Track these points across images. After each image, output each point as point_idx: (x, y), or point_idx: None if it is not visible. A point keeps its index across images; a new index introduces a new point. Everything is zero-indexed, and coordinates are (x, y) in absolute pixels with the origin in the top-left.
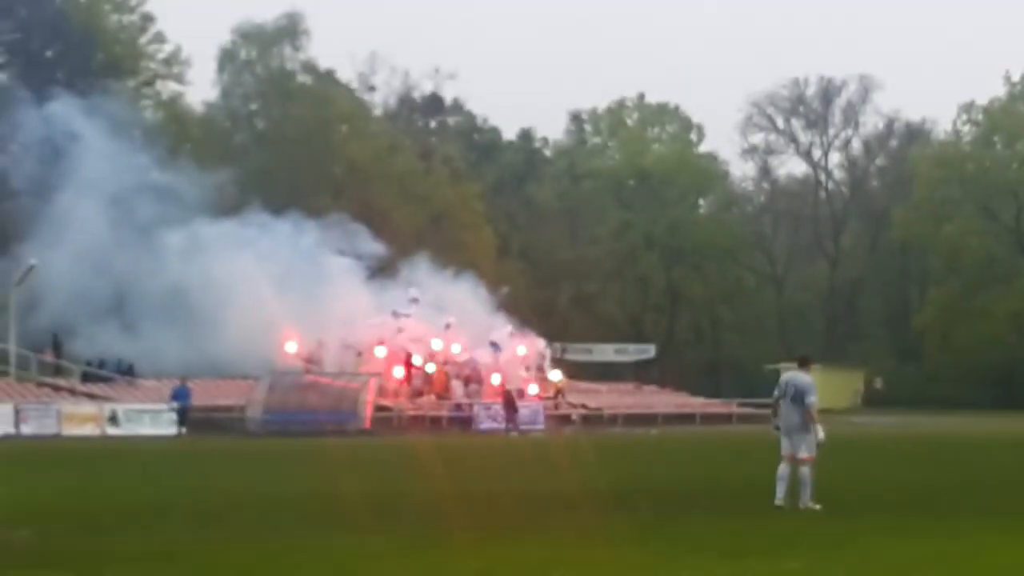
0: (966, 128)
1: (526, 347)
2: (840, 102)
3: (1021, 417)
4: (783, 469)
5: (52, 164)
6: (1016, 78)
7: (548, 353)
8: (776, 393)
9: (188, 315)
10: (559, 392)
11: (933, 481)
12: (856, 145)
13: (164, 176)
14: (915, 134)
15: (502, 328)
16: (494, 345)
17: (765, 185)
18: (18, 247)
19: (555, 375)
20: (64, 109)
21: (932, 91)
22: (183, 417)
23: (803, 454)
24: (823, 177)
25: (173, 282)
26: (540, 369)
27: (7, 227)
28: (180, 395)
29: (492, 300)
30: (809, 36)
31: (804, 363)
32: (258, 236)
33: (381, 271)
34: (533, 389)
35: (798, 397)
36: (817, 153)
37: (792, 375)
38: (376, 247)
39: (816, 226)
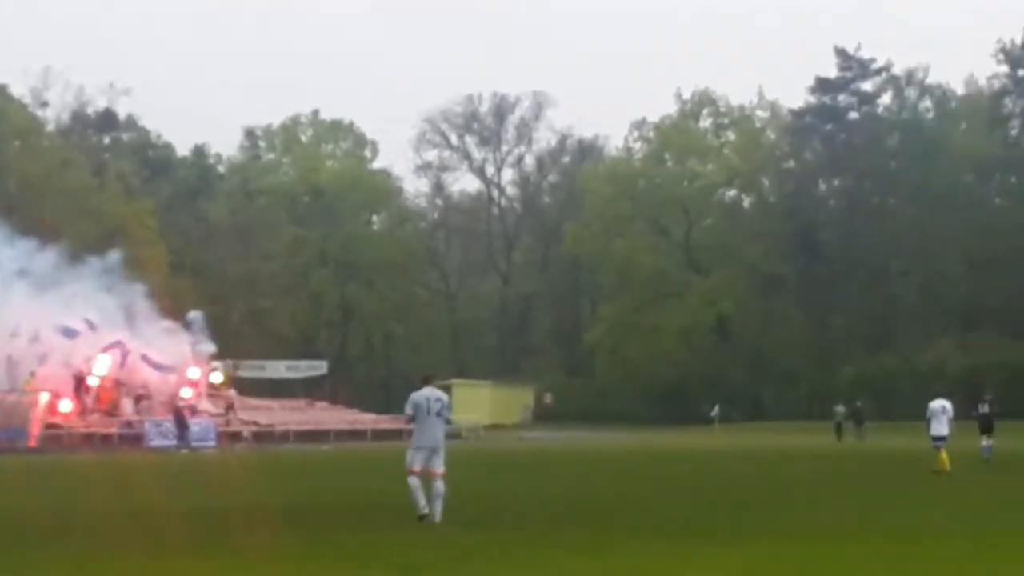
0: (637, 145)
1: (199, 367)
2: (513, 119)
3: (690, 431)
4: (416, 481)
5: None
6: (687, 95)
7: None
8: (410, 411)
9: None
10: (230, 408)
11: (600, 495)
12: (529, 161)
13: None
14: (587, 150)
15: (177, 347)
16: (157, 365)
17: (438, 201)
18: None
19: (208, 404)
20: None
21: (604, 108)
22: None
23: (441, 468)
24: (496, 193)
25: None
26: (209, 385)
27: None
28: None
29: (163, 314)
30: (483, 53)
31: (429, 380)
32: None
33: (52, 284)
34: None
35: (443, 412)
36: (490, 169)
37: (431, 392)
38: (42, 258)
39: (489, 242)
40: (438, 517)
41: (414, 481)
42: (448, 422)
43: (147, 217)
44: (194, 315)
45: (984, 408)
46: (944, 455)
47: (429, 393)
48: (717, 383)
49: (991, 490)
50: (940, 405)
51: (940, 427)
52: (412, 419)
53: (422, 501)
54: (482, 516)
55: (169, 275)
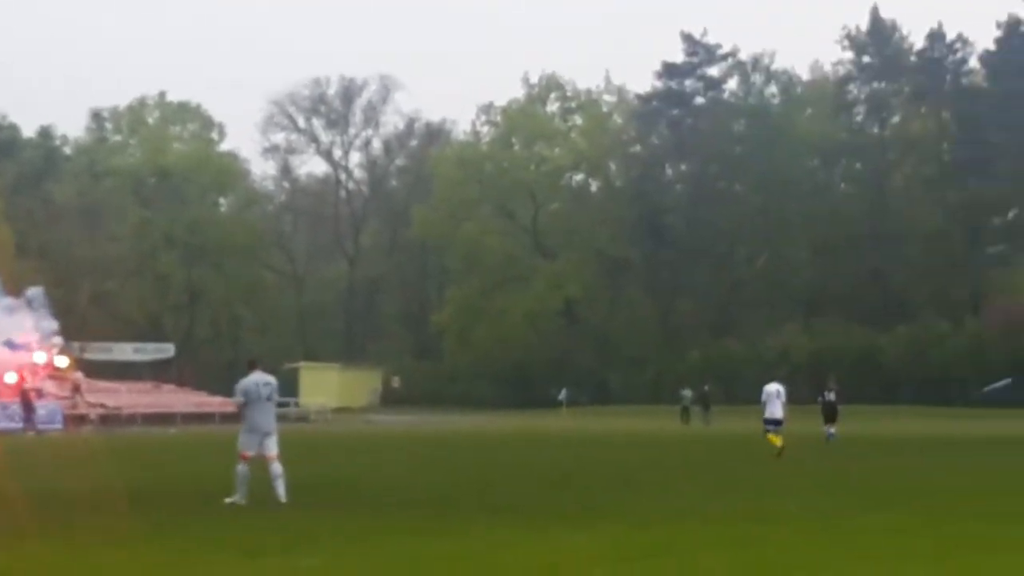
0: (485, 129)
1: (45, 352)
2: (361, 102)
3: (537, 415)
4: (246, 469)
5: None
6: (534, 80)
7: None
8: (241, 398)
9: None
10: (77, 391)
11: (448, 479)
12: (377, 145)
13: None
14: (435, 134)
15: (20, 325)
16: (10, 344)
17: (286, 184)
18: None
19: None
20: None
21: (452, 92)
22: None
23: (275, 451)
24: (343, 176)
25: None
26: (55, 369)
27: None
28: None
29: (9, 297)
30: (330, 36)
31: (255, 365)
32: None
33: None
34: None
35: (273, 396)
36: (338, 152)
37: (260, 376)
38: None
39: (336, 225)
40: (283, 498)
41: (244, 469)
42: (275, 404)
43: None
44: (34, 292)
45: (830, 396)
46: (773, 437)
47: (258, 378)
48: (564, 367)
49: (833, 474)
50: (775, 389)
51: (775, 410)
52: (244, 405)
53: (244, 491)
54: (328, 499)
55: (14, 256)
